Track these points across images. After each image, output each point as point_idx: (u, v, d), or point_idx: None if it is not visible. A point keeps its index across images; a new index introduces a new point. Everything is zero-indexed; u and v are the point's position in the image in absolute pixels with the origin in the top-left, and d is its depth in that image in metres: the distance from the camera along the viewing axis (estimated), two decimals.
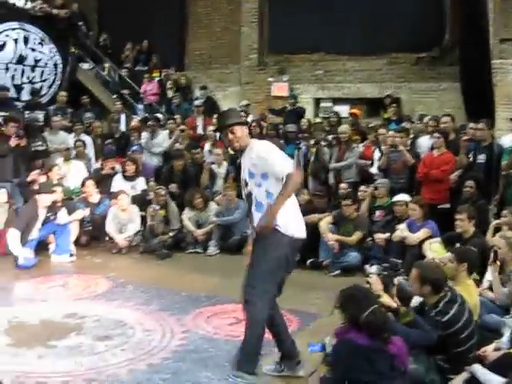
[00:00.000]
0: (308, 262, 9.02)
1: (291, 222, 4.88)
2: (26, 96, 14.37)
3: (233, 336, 6.09)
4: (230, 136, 5.02)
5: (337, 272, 8.69)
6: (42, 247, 9.49)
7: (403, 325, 4.35)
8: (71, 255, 9.45)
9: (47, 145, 11.56)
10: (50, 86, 14.86)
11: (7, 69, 14.23)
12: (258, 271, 4.83)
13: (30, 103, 14.01)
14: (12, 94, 14.01)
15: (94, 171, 11.67)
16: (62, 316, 6.73)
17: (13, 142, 10.55)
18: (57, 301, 7.35)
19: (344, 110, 14.09)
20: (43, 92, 14.73)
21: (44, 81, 14.82)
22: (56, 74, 15.02)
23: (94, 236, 10.33)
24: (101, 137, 12.72)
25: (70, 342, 6.00)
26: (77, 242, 9.85)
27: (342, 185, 10.10)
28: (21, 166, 10.81)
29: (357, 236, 8.95)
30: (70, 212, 9.68)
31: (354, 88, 15.30)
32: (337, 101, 15.53)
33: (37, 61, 14.67)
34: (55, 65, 15.01)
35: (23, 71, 14.49)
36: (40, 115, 13.29)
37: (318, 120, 13.26)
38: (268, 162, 4.82)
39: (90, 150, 12.29)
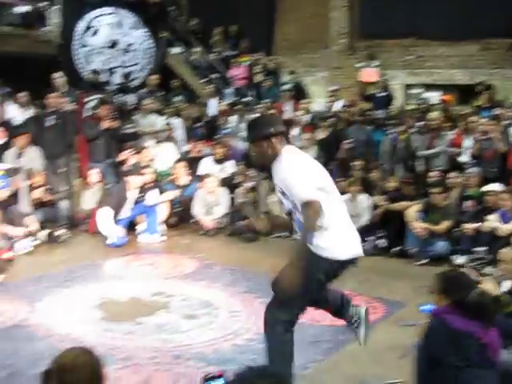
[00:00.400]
0: (394, 250, 8.92)
1: (335, 243, 4.25)
2: (117, 79, 14.70)
3: (318, 321, 6.10)
4: (255, 150, 4.48)
5: (424, 261, 8.56)
6: (132, 227, 9.74)
7: (505, 315, 4.24)
8: (161, 235, 9.66)
9: (138, 127, 11.80)
10: (141, 70, 15.13)
11: (100, 53, 14.58)
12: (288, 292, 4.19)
13: (122, 86, 14.32)
14: (104, 77, 14.37)
15: (182, 154, 11.84)
16: (150, 294, 6.90)
17: (104, 124, 10.83)
18: (145, 279, 7.55)
19: (434, 97, 13.81)
20: (134, 76, 15.02)
21: (135, 65, 15.10)
22: (147, 58, 15.28)
23: (182, 217, 10.50)
24: (190, 120, 12.89)
25: (157, 319, 6.15)
26: (166, 223, 10.05)
27: (432, 173, 9.91)
28: (112, 148, 11.07)
29: (445, 225, 8.76)
30: (159, 193, 9.88)
31: (445, 74, 14.97)
32: (427, 87, 15.25)
33: (129, 45, 14.96)
34: (146, 49, 15.27)
35: (116, 55, 14.81)
36: (131, 98, 13.58)
37: (407, 106, 13.05)
38: (289, 183, 4.18)
39: (180, 133, 12.46)
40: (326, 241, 4.22)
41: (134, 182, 9.56)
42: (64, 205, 9.76)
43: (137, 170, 9.85)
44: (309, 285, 4.22)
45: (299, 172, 4.20)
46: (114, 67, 14.79)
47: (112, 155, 11.02)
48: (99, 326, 5.98)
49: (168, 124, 12.18)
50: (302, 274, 4.10)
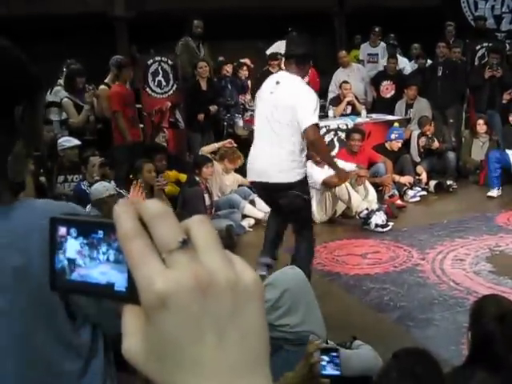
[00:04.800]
0: None
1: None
2: (505, 26, 14.16)
3: None
4: None
5: None
6: None
7: None
8: None
9: None
10: None
11: (486, 0, 14.15)
12: None
13: (511, 33, 13.79)
14: (491, 25, 13.93)
15: None
16: None
17: (488, 73, 10.53)
18: None
19: None
20: None
21: None
22: None
23: None
24: None
25: None
26: None
27: None
28: (496, 97, 10.78)
29: None
30: None
31: None
32: None
33: None
34: None
35: (503, 2, 14.25)
36: None
37: None
38: None
39: None
40: None
41: None
42: (452, 155, 9.82)
43: None
44: None
45: None
46: (502, 14, 14.27)
47: (495, 105, 10.74)
48: (489, 278, 5.98)
49: None
50: None
